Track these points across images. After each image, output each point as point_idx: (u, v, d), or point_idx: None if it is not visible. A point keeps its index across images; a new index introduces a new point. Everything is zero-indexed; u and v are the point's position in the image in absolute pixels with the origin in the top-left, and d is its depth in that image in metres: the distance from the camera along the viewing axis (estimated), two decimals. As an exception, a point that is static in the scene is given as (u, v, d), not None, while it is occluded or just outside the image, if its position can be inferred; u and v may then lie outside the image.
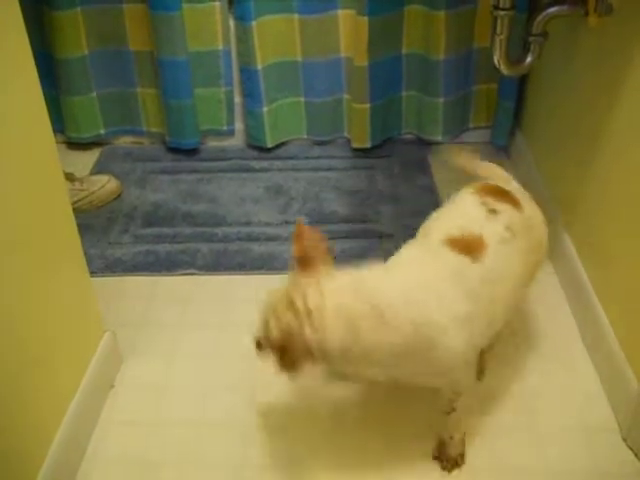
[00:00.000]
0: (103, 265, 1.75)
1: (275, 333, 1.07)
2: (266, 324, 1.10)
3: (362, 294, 1.07)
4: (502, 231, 1.19)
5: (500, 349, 1.51)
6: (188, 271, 1.74)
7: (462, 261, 1.14)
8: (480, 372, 1.33)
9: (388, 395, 1.39)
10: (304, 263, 1.11)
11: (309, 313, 1.04)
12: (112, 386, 1.45)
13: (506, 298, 1.20)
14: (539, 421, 1.37)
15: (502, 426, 1.36)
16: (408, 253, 1.19)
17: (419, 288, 1.10)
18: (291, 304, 1.06)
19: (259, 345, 1.16)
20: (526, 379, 1.46)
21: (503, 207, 1.23)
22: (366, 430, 1.35)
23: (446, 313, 1.08)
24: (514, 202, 1.26)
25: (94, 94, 2.16)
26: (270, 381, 1.45)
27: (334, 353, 1.06)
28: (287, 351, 1.06)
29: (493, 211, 1.22)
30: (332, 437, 1.34)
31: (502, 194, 1.27)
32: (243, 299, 1.67)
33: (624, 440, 1.32)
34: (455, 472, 1.26)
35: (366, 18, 1.94)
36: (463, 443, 1.28)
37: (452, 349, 1.08)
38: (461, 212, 1.26)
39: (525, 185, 2.00)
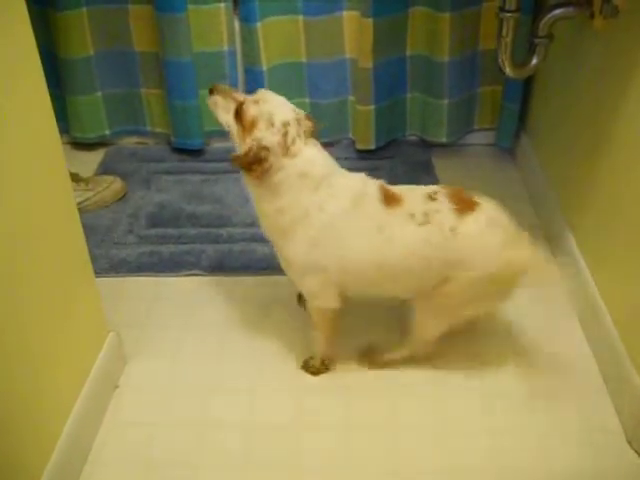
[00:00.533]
0: (108, 265, 1.76)
1: (258, 142, 1.25)
2: (254, 120, 1.27)
3: (322, 164, 1.30)
4: (418, 210, 1.29)
5: (503, 352, 1.52)
6: (192, 272, 1.75)
7: (376, 206, 1.30)
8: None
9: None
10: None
11: (290, 146, 1.26)
12: (116, 386, 1.45)
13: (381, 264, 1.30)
14: (542, 423, 1.37)
15: (503, 427, 1.36)
16: (353, 176, 1.36)
17: (330, 191, 1.29)
18: (286, 130, 1.26)
19: (212, 91, 1.36)
20: (529, 382, 1.45)
21: (445, 204, 1.29)
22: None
23: (310, 222, 1.29)
24: (465, 209, 1.29)
25: (99, 94, 2.17)
26: (272, 382, 1.46)
27: (280, 177, 1.27)
28: (261, 161, 1.25)
29: (432, 198, 1.31)
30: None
31: (464, 201, 1.31)
32: (247, 300, 1.67)
33: (629, 442, 1.32)
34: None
35: (371, 20, 1.94)
36: (323, 363, 1.46)
37: (287, 253, 1.33)
38: (415, 187, 1.36)
39: (530, 187, 2.02)
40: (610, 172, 1.48)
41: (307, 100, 2.14)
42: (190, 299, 1.68)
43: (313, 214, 1.29)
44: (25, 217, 1.10)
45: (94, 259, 1.38)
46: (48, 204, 1.18)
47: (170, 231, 1.88)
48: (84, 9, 2.02)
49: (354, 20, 2.00)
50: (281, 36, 2.02)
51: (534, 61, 1.66)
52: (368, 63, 2.01)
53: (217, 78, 2.10)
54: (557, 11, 1.57)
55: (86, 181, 1.98)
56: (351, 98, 2.15)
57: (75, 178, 1.92)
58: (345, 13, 2.00)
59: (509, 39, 1.61)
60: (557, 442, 1.34)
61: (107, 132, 2.24)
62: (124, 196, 2.03)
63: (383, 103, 2.11)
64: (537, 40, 1.62)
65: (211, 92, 1.36)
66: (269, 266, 1.75)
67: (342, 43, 2.05)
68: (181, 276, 1.74)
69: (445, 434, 1.36)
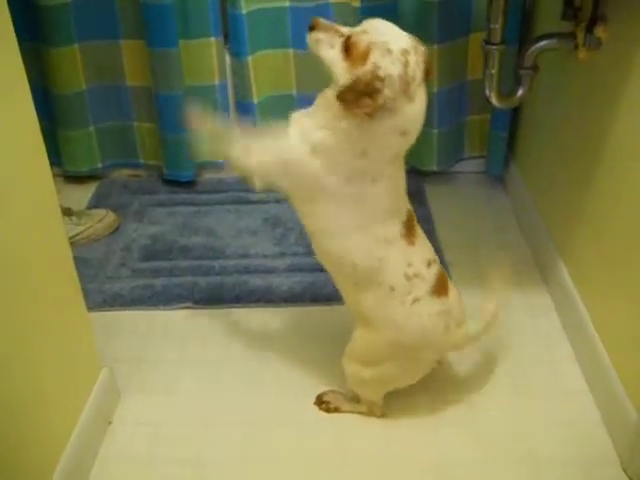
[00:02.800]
0: (101, 300, 1.75)
1: (373, 70, 1.06)
2: (367, 49, 1.08)
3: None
4: (412, 263, 1.25)
5: (496, 380, 1.52)
6: (185, 305, 1.74)
7: (397, 222, 1.23)
8: None
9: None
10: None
11: (412, 81, 1.08)
12: (110, 422, 1.44)
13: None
14: (537, 453, 1.36)
15: (499, 457, 1.36)
16: None
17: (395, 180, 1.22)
18: (406, 59, 1.07)
19: (312, 27, 1.16)
20: (523, 410, 1.45)
21: (431, 278, 1.27)
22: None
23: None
24: (439, 293, 1.27)
25: (92, 128, 2.18)
26: (270, 416, 1.46)
27: (383, 132, 1.11)
28: (374, 95, 1.06)
29: (429, 265, 1.27)
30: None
31: (444, 287, 1.30)
32: (241, 332, 1.67)
33: (624, 471, 1.31)
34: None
35: (360, 52, 1.97)
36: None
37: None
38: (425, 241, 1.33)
39: (520, 214, 2.03)
40: (599, 199, 1.50)
41: (298, 131, 2.16)
42: (183, 332, 1.67)
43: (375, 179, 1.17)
44: (16, 251, 1.10)
45: (87, 293, 1.39)
46: (39, 238, 1.19)
47: (163, 264, 1.89)
48: (76, 45, 2.04)
49: (343, 53, 2.02)
50: (271, 69, 2.05)
51: (520, 92, 1.68)
52: (358, 95, 2.04)
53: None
54: (542, 43, 1.59)
55: (78, 215, 1.98)
56: (341, 129, 2.17)
57: (67, 212, 1.93)
58: (334, 46, 2.03)
59: (495, 71, 1.63)
60: (552, 472, 1.33)
61: (99, 165, 2.25)
62: (117, 229, 2.03)
63: (373, 134, 2.13)
64: (522, 71, 1.64)
65: (312, 28, 1.16)
66: (262, 298, 1.75)
67: (332, 76, 2.07)
68: (174, 309, 1.74)
69: (442, 466, 1.35)
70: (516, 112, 2.10)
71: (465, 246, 1.92)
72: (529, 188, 2.00)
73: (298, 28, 1.99)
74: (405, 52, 1.08)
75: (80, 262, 1.35)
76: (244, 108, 2.10)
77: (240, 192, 2.18)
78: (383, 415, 1.44)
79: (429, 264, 1.27)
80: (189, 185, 2.23)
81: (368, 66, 1.07)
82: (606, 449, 1.36)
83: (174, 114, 2.08)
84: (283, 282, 1.79)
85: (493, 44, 1.60)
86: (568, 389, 1.50)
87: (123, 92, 2.13)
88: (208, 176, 2.25)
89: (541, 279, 1.81)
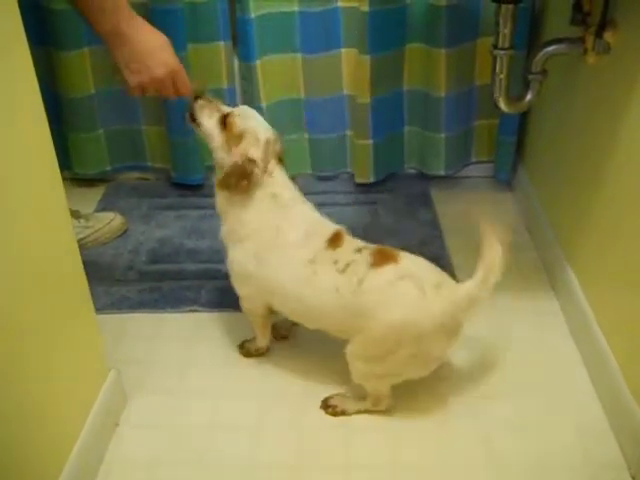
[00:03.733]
0: (109, 302, 1.76)
1: (244, 157, 1.34)
2: (242, 134, 1.36)
3: (290, 188, 1.41)
4: (343, 259, 1.33)
5: (502, 385, 1.51)
6: (192, 308, 1.75)
7: (320, 244, 1.36)
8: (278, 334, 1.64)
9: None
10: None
11: (269, 162, 1.38)
12: (117, 425, 1.44)
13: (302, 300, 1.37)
14: (544, 459, 1.36)
15: (506, 462, 1.35)
16: (314, 213, 1.43)
17: (291, 219, 1.39)
18: (267, 146, 1.36)
19: (197, 96, 1.42)
20: (529, 415, 1.45)
21: (365, 257, 1.33)
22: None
23: (257, 240, 1.38)
24: (379, 264, 1.31)
25: (101, 131, 2.19)
26: (275, 419, 1.46)
27: (255, 195, 1.37)
28: (247, 176, 1.34)
29: (359, 250, 1.35)
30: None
31: (384, 256, 1.33)
32: (247, 336, 1.67)
33: (632, 478, 1.31)
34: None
35: (368, 57, 1.97)
36: (256, 349, 1.59)
37: (232, 255, 1.43)
38: (358, 241, 1.41)
39: (528, 219, 2.03)
40: (607, 204, 1.50)
41: (306, 135, 2.17)
42: (190, 335, 1.68)
43: (269, 233, 1.38)
44: (25, 253, 1.11)
45: (95, 296, 1.39)
46: (49, 241, 1.19)
47: (170, 267, 1.89)
48: (86, 49, 2.05)
49: (352, 57, 2.03)
50: (280, 74, 2.05)
51: (529, 96, 1.69)
52: (366, 99, 2.04)
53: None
54: (550, 48, 1.59)
55: (86, 218, 1.99)
56: (349, 133, 2.17)
57: (75, 215, 1.93)
58: (343, 50, 2.03)
59: (503, 76, 1.64)
60: (559, 479, 1.33)
61: (108, 168, 2.26)
62: (125, 232, 2.04)
63: (381, 137, 2.13)
64: (531, 76, 1.65)
65: (196, 98, 1.42)
66: (269, 301, 1.75)
67: (340, 80, 2.08)
68: (181, 312, 1.74)
69: (447, 470, 1.35)
70: (524, 117, 2.10)
71: (472, 250, 1.90)
72: (537, 193, 1.99)
73: (307, 33, 2.00)
74: (267, 141, 1.37)
75: (88, 265, 1.35)
76: (252, 112, 2.10)
77: (248, 196, 2.19)
78: (389, 409, 1.43)
79: (358, 250, 1.35)
80: (197, 188, 2.24)
81: (243, 153, 1.35)
82: (614, 455, 1.35)
83: (182, 118, 2.09)
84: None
85: (502, 49, 1.61)
86: (575, 394, 1.50)
87: (132, 96, 2.14)
88: (216, 180, 2.25)
89: (549, 283, 1.80)
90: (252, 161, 1.34)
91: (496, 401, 1.48)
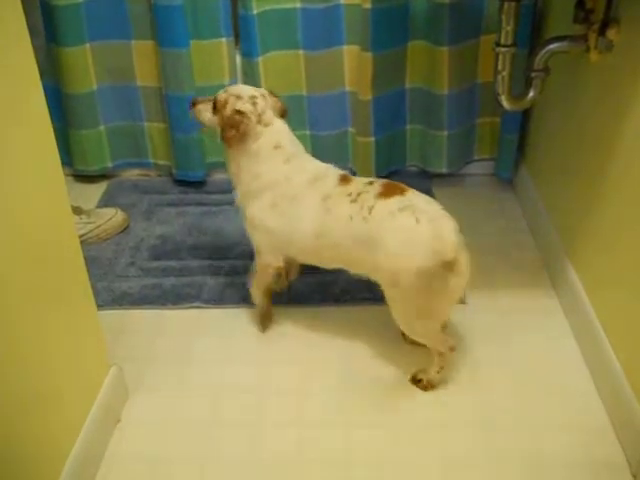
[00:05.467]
0: (110, 298, 1.76)
1: (231, 110, 1.47)
2: (225, 100, 1.49)
3: (292, 140, 1.52)
4: (355, 191, 1.44)
5: (503, 383, 1.52)
6: (194, 304, 1.75)
7: (331, 184, 1.47)
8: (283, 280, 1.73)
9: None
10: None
11: (262, 114, 1.48)
12: (118, 420, 1.44)
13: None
14: (545, 457, 1.36)
15: (506, 460, 1.35)
16: (319, 162, 1.55)
17: (299, 166, 1.50)
18: (254, 101, 1.48)
19: (193, 104, 1.57)
20: (530, 413, 1.45)
21: (375, 188, 1.43)
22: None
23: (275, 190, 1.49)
24: (388, 195, 1.42)
25: (102, 128, 2.20)
26: (275, 415, 1.46)
27: (258, 146, 1.48)
28: (236, 125, 1.45)
29: (371, 183, 1.46)
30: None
31: (393, 189, 1.44)
32: (249, 333, 1.67)
33: (634, 476, 1.31)
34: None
35: (370, 54, 1.97)
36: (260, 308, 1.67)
37: (251, 211, 1.52)
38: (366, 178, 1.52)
39: (529, 217, 2.03)
40: (610, 202, 1.49)
41: (308, 132, 2.16)
42: (192, 332, 1.68)
43: (281, 182, 1.48)
44: (27, 250, 1.11)
45: (96, 292, 1.39)
46: (50, 237, 1.19)
47: (172, 263, 1.89)
48: (87, 45, 2.05)
49: (354, 54, 2.03)
50: (282, 70, 2.05)
51: (531, 94, 1.68)
52: (368, 96, 2.04)
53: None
54: (553, 45, 1.59)
55: (88, 214, 1.99)
56: (351, 130, 2.17)
57: (77, 211, 1.94)
58: (345, 47, 2.03)
59: (506, 73, 1.63)
60: (560, 477, 1.33)
61: (110, 165, 2.26)
62: (126, 228, 2.04)
63: (383, 135, 2.13)
64: (533, 74, 1.64)
65: (193, 104, 1.57)
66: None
67: (342, 76, 2.08)
68: (183, 308, 1.74)
69: (448, 466, 1.35)
70: (526, 115, 2.09)
71: (473, 249, 1.91)
72: (539, 191, 1.99)
73: (309, 29, 2.00)
74: (252, 97, 1.49)
75: (89, 261, 1.35)
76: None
77: (249, 192, 2.19)
78: (454, 348, 1.49)
79: (370, 183, 1.46)
80: (199, 185, 2.24)
81: (228, 108, 1.48)
82: (615, 453, 1.36)
83: (184, 114, 2.09)
84: (291, 283, 1.80)
85: (504, 46, 1.61)
86: (576, 392, 1.50)
87: (133, 92, 2.14)
88: (218, 176, 2.25)
89: (550, 282, 1.80)
90: (240, 112, 1.46)
91: (497, 399, 1.48)
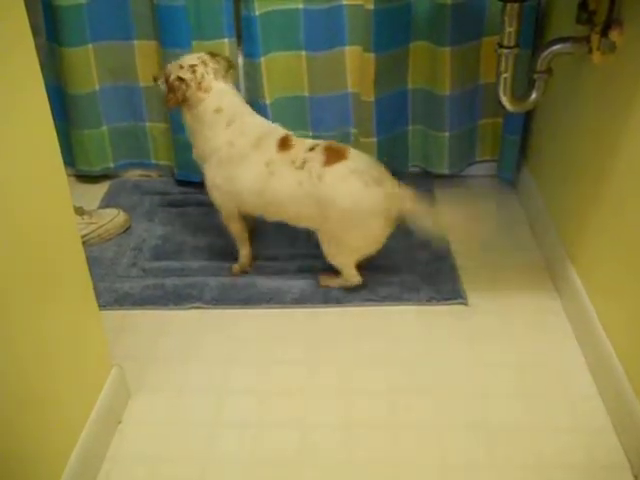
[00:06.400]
0: (112, 299, 1.76)
1: (174, 77, 1.64)
2: (170, 70, 1.67)
3: (233, 101, 1.69)
4: (299, 158, 1.62)
5: (504, 385, 1.51)
6: (195, 305, 1.75)
7: (272, 147, 1.65)
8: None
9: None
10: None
11: (201, 81, 1.64)
12: (119, 421, 1.44)
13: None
14: (545, 459, 1.35)
15: (506, 463, 1.35)
16: (262, 119, 1.74)
17: (241, 129, 1.67)
18: (193, 69, 1.64)
19: (155, 79, 1.76)
20: (531, 415, 1.45)
21: (319, 155, 1.61)
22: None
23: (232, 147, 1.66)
24: (333, 161, 1.60)
25: (104, 128, 2.19)
26: (277, 416, 1.46)
27: (201, 111, 1.66)
28: (175, 91, 1.64)
29: (312, 149, 1.63)
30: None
31: (335, 153, 1.62)
32: (250, 333, 1.67)
33: (635, 477, 1.31)
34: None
35: (372, 54, 1.97)
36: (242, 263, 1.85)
37: (206, 172, 1.72)
38: (305, 140, 1.70)
39: (531, 218, 2.03)
40: (612, 203, 1.49)
41: (310, 133, 2.16)
42: (193, 332, 1.68)
43: (224, 147, 1.65)
44: (29, 250, 1.11)
45: (98, 292, 1.39)
46: (53, 237, 1.19)
47: (173, 264, 1.89)
48: (90, 45, 2.05)
49: (356, 55, 2.02)
50: (284, 71, 2.05)
51: (533, 95, 1.68)
52: (370, 97, 2.04)
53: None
54: (556, 47, 1.59)
55: (90, 214, 1.99)
56: (353, 130, 2.17)
57: (79, 211, 1.94)
58: (347, 48, 2.03)
59: (508, 74, 1.63)
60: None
61: (111, 165, 2.26)
62: (128, 229, 2.04)
63: (385, 135, 2.13)
64: (536, 75, 1.64)
65: (155, 80, 1.76)
66: (272, 299, 1.76)
67: (344, 77, 2.08)
68: (184, 309, 1.74)
69: (447, 467, 1.35)
70: (529, 116, 2.09)
71: (475, 250, 1.92)
72: (541, 192, 1.99)
73: (311, 30, 1.99)
74: (192, 66, 1.65)
75: (91, 261, 1.35)
76: (256, 109, 2.09)
77: (251, 193, 2.19)
78: (358, 284, 1.74)
79: (311, 148, 1.63)
80: (200, 186, 2.22)
81: (171, 77, 1.65)
82: (616, 455, 1.35)
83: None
84: (294, 284, 1.80)
85: (507, 47, 1.60)
86: (577, 393, 1.49)
87: (136, 92, 2.14)
88: (219, 177, 2.25)
89: (551, 283, 1.80)
90: (180, 79, 1.63)
91: (498, 401, 1.48)
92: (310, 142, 1.67)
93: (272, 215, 1.72)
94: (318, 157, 1.60)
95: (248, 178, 1.65)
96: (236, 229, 1.80)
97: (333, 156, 1.60)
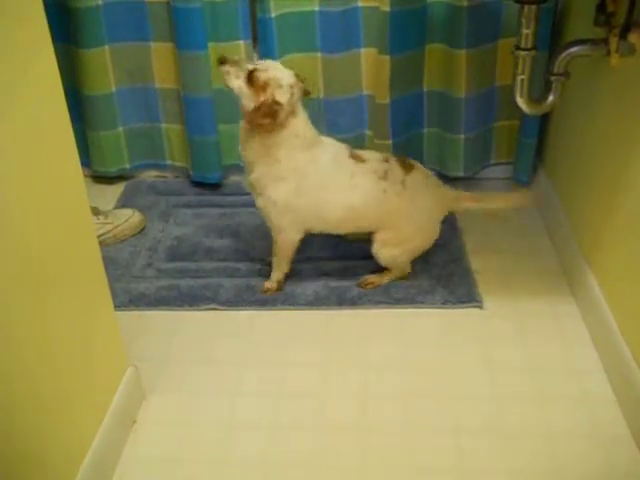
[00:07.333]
0: (127, 299, 1.77)
1: (272, 97, 1.51)
2: (266, 83, 1.52)
3: (309, 126, 1.63)
4: (379, 168, 1.67)
5: (520, 389, 1.50)
6: (210, 306, 1.75)
7: (348, 160, 1.66)
8: None
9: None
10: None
11: (295, 105, 1.56)
12: (134, 422, 1.45)
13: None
14: (562, 467, 1.34)
15: (521, 470, 1.34)
16: (330, 139, 1.71)
17: (320, 149, 1.64)
18: (292, 91, 1.54)
19: (222, 62, 1.58)
20: (548, 421, 1.44)
21: (395, 165, 1.69)
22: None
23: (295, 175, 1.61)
24: (408, 169, 1.70)
25: (120, 129, 2.21)
26: (291, 418, 1.46)
27: (283, 135, 1.56)
28: (274, 116, 1.51)
29: (387, 160, 1.69)
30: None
31: (406, 164, 1.72)
32: (264, 335, 1.67)
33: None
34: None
35: (388, 57, 1.97)
36: (278, 281, 1.79)
37: (274, 193, 1.62)
38: (372, 152, 1.75)
39: (548, 222, 2.01)
40: (631, 208, 1.48)
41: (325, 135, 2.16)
42: (208, 333, 1.68)
43: (306, 166, 1.60)
44: (47, 250, 1.12)
45: (113, 293, 1.39)
46: (70, 237, 1.20)
47: (188, 265, 1.90)
48: (106, 47, 2.06)
49: (371, 57, 2.02)
50: (300, 73, 2.05)
51: (550, 98, 1.67)
52: (385, 99, 2.04)
53: (236, 114, 2.13)
54: (573, 49, 1.58)
55: (105, 214, 2.00)
56: (368, 133, 2.17)
57: (94, 211, 1.94)
58: (362, 50, 2.03)
59: (525, 77, 1.62)
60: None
61: (127, 166, 2.27)
62: (143, 229, 2.05)
63: (400, 138, 2.13)
64: (553, 77, 1.63)
65: (222, 62, 1.58)
66: (286, 301, 1.76)
67: (359, 79, 2.07)
68: (199, 310, 1.75)
69: (462, 470, 1.34)
70: (545, 119, 2.08)
71: (491, 253, 1.91)
72: (558, 195, 1.98)
73: (327, 32, 2.00)
74: (291, 86, 1.54)
75: (106, 261, 1.36)
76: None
77: (266, 195, 2.19)
78: (411, 270, 1.80)
79: (385, 160, 1.69)
80: (215, 187, 2.24)
81: (269, 96, 1.51)
82: (634, 462, 1.34)
83: (201, 116, 2.10)
84: (308, 285, 1.80)
85: (524, 49, 1.59)
86: (594, 400, 1.48)
87: (151, 94, 2.15)
88: (234, 178, 2.26)
89: (568, 287, 1.79)
90: (278, 103, 1.51)
91: (513, 406, 1.47)
92: (376, 154, 1.71)
93: (345, 229, 1.77)
94: (396, 168, 1.67)
95: (334, 194, 1.64)
96: (291, 251, 1.75)
97: (406, 167, 1.69)
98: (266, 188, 1.62)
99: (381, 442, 1.40)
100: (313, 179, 1.61)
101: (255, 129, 1.54)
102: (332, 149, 1.66)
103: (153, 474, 1.35)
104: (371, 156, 1.69)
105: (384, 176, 1.66)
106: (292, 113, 1.55)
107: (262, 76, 1.52)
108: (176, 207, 2.16)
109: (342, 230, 1.77)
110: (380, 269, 1.79)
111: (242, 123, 1.60)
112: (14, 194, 1.02)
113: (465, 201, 1.78)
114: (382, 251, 1.72)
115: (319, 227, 1.72)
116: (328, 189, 1.63)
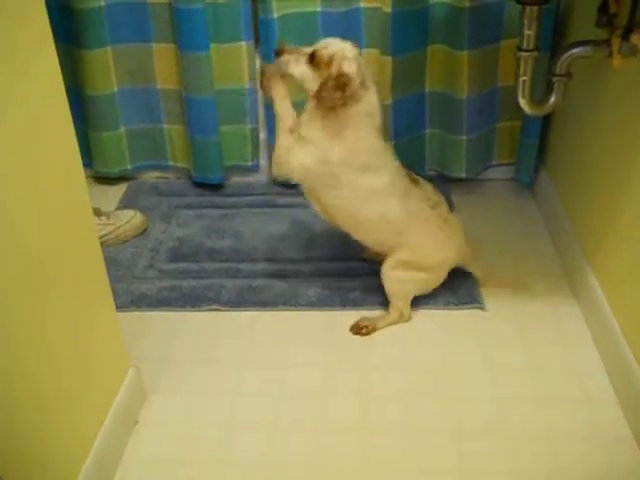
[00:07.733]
0: (128, 300, 1.77)
1: (338, 69, 1.40)
2: (331, 58, 1.41)
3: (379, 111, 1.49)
4: (431, 198, 1.63)
5: (522, 391, 1.50)
6: (212, 307, 1.75)
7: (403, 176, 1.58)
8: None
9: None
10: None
11: (365, 76, 1.44)
12: (136, 422, 1.45)
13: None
14: (563, 468, 1.34)
15: (522, 472, 1.33)
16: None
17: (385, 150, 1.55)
18: (358, 60, 1.43)
19: (280, 52, 1.48)
20: (549, 422, 1.43)
21: (443, 201, 1.67)
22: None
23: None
24: (450, 208, 1.72)
25: (122, 130, 2.21)
26: (291, 419, 1.46)
27: (353, 112, 1.43)
28: (343, 88, 1.39)
29: (436, 192, 1.65)
30: (355, 478, 1.34)
31: (448, 202, 1.72)
32: (266, 336, 1.67)
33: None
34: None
35: (390, 57, 1.97)
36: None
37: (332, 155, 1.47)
38: (422, 180, 1.67)
39: (550, 223, 2.01)
40: (632, 209, 1.48)
41: (326, 136, 2.16)
42: (210, 334, 1.68)
43: (365, 154, 1.48)
44: (49, 250, 1.12)
45: (115, 293, 1.39)
46: (72, 238, 1.20)
47: (190, 266, 1.90)
48: (109, 47, 2.06)
49: (373, 58, 2.02)
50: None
51: (552, 99, 1.67)
52: (387, 100, 2.04)
53: (238, 114, 2.14)
54: (576, 50, 1.58)
55: (107, 215, 2.00)
56: (370, 134, 2.17)
57: (96, 212, 1.94)
58: (364, 51, 2.02)
59: (527, 78, 1.62)
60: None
61: (129, 167, 2.28)
62: (145, 230, 2.05)
63: (402, 139, 2.13)
64: (555, 78, 1.63)
65: (279, 54, 1.48)
66: (288, 302, 1.75)
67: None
68: (201, 311, 1.75)
69: (464, 472, 1.34)
70: (547, 120, 2.08)
71: (493, 254, 1.91)
72: (560, 197, 1.97)
73: (329, 33, 1.97)
74: (357, 57, 1.43)
75: (108, 262, 1.36)
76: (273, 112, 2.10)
77: (268, 196, 2.20)
78: (410, 318, 1.69)
79: (434, 193, 1.65)
80: (217, 188, 2.24)
81: (333, 68, 1.40)
82: (636, 464, 1.34)
83: (203, 117, 2.10)
84: (310, 286, 1.79)
85: (526, 50, 1.59)
86: (596, 401, 1.48)
87: (153, 95, 2.16)
88: (236, 179, 2.26)
89: (570, 288, 1.79)
90: (345, 74, 1.39)
91: (515, 407, 1.47)
92: (428, 184, 1.65)
93: (359, 231, 1.63)
94: (443, 205, 1.65)
95: (383, 197, 1.53)
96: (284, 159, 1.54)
97: (449, 205, 1.70)
98: (305, 143, 1.48)
99: (382, 443, 1.40)
100: (372, 166, 1.49)
101: (327, 106, 1.41)
102: (396, 162, 1.57)
103: (155, 474, 1.35)
104: (424, 183, 1.64)
105: (433, 206, 1.62)
106: (363, 85, 1.42)
107: (325, 53, 1.42)
108: (178, 208, 2.17)
109: (357, 234, 1.64)
110: (371, 291, 1.74)
111: (307, 107, 1.48)
112: (15, 194, 1.02)
113: (472, 262, 1.76)
114: (391, 273, 1.63)
115: (360, 234, 1.64)
116: (379, 191, 1.52)
